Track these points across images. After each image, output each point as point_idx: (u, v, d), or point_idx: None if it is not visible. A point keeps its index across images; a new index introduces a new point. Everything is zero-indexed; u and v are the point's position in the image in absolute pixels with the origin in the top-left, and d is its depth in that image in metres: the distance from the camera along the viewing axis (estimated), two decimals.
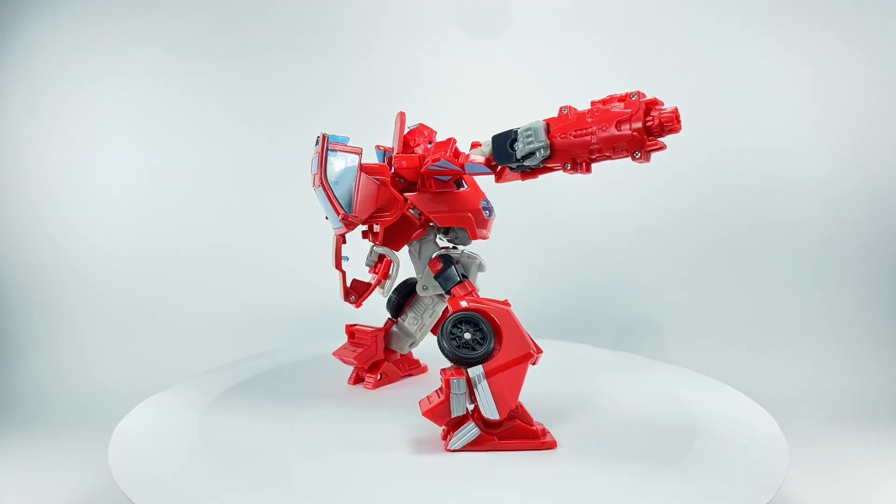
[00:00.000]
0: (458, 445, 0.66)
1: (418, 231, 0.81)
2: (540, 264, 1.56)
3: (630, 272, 1.53)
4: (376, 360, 0.91)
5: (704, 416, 0.77)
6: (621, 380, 0.94)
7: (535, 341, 0.67)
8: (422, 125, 0.83)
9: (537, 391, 0.86)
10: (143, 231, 1.61)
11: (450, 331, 0.66)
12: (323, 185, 0.73)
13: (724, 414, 0.78)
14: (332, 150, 0.74)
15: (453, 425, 0.67)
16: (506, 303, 0.69)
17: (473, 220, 0.76)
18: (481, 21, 1.55)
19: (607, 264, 1.54)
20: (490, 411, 0.64)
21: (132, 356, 1.49)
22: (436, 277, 0.78)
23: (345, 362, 0.92)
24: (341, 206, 0.73)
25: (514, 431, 0.67)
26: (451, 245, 0.83)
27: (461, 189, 0.80)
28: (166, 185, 1.62)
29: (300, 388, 0.92)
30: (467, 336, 0.65)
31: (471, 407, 0.66)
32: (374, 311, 1.01)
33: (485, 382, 0.64)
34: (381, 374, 0.91)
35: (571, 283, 1.56)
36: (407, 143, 0.81)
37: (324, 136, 0.74)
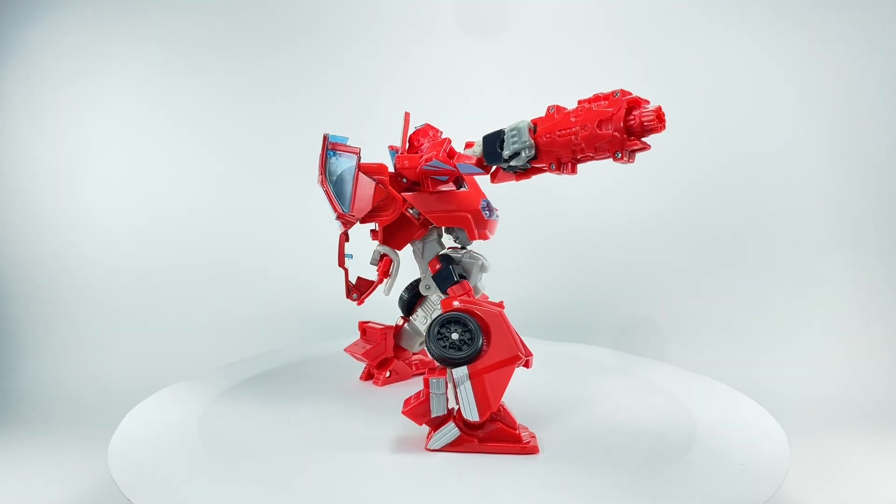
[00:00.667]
0: (437, 445, 0.66)
1: (420, 231, 0.81)
2: (540, 264, 1.56)
3: (630, 272, 1.53)
4: (385, 357, 0.92)
5: (704, 417, 0.77)
6: (620, 381, 0.94)
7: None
8: (427, 125, 0.83)
9: (534, 392, 0.86)
10: (144, 230, 1.61)
11: (437, 331, 0.66)
12: (322, 184, 0.75)
13: (725, 415, 0.78)
14: (332, 150, 0.75)
15: (435, 425, 0.67)
16: (500, 305, 0.69)
17: (472, 220, 0.76)
18: (483, 21, 1.55)
19: (608, 264, 1.54)
20: (470, 413, 0.64)
21: (132, 356, 1.49)
22: (433, 277, 0.78)
23: (356, 358, 0.93)
24: (339, 205, 0.75)
25: (496, 434, 0.66)
26: (459, 245, 0.83)
27: (461, 189, 0.80)
28: (167, 184, 1.62)
29: (303, 386, 0.92)
30: (455, 336, 0.65)
31: (454, 407, 0.66)
32: (389, 310, 1.01)
33: (468, 383, 0.63)
34: (390, 371, 0.93)
35: (572, 283, 1.55)
36: (412, 143, 0.82)
37: (324, 136, 0.75)
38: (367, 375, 0.95)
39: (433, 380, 0.65)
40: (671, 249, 1.52)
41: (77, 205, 1.61)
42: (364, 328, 0.94)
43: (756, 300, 1.48)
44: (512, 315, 0.67)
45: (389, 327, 0.92)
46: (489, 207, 0.79)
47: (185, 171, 1.62)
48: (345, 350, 0.95)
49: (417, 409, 0.66)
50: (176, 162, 1.62)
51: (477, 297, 0.78)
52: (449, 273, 0.76)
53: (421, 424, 0.68)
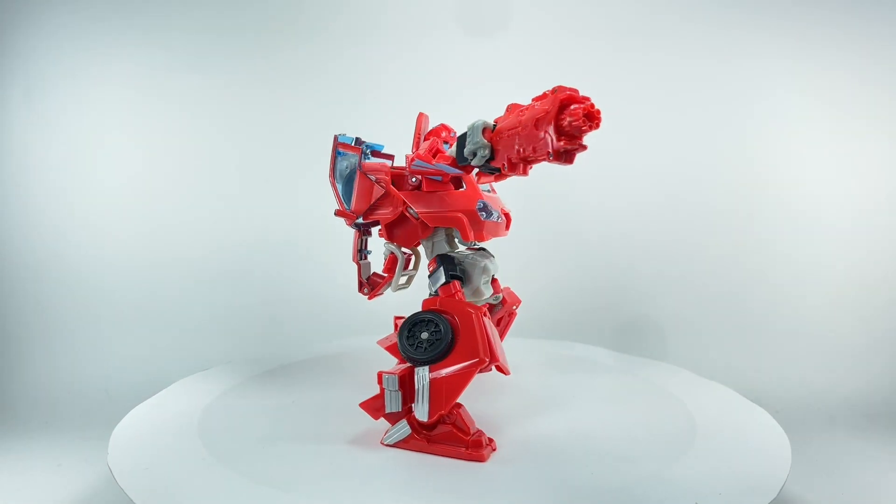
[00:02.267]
0: (390, 441, 0.68)
1: (425, 230, 0.81)
2: (540, 264, 1.56)
3: (631, 272, 1.53)
4: None
5: (704, 417, 0.77)
6: (620, 380, 0.94)
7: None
8: (442, 125, 0.83)
9: (533, 391, 0.86)
10: (144, 230, 1.61)
11: (408, 331, 0.67)
12: (330, 182, 0.80)
13: (725, 415, 0.78)
14: (340, 150, 0.79)
15: (394, 420, 0.68)
16: (480, 308, 0.68)
17: (466, 220, 0.75)
18: (487, 21, 1.55)
19: (608, 264, 1.54)
20: (421, 412, 0.64)
21: (132, 356, 1.49)
22: (429, 276, 0.78)
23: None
24: (343, 202, 0.80)
25: (445, 437, 0.66)
26: (476, 247, 0.83)
27: (461, 189, 0.79)
28: (166, 183, 1.62)
29: (305, 384, 0.93)
30: (424, 336, 0.66)
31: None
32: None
33: (426, 383, 0.63)
34: None
35: (571, 283, 1.55)
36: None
37: (335, 137, 0.79)
38: None
39: (386, 376, 0.65)
40: (671, 249, 1.52)
41: (78, 205, 1.61)
42: (396, 322, 0.96)
43: (756, 300, 1.48)
44: None
45: None
46: (487, 209, 0.78)
47: (185, 171, 1.62)
48: (377, 343, 0.96)
49: (372, 403, 0.67)
50: (177, 162, 1.62)
51: (479, 299, 0.78)
52: (440, 274, 0.76)
53: (377, 419, 0.68)
